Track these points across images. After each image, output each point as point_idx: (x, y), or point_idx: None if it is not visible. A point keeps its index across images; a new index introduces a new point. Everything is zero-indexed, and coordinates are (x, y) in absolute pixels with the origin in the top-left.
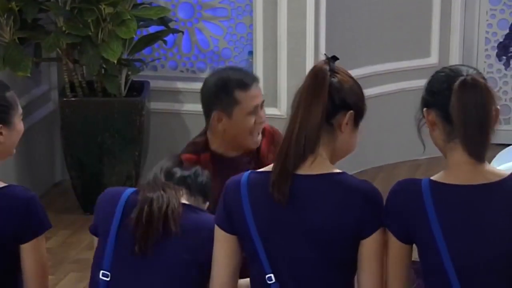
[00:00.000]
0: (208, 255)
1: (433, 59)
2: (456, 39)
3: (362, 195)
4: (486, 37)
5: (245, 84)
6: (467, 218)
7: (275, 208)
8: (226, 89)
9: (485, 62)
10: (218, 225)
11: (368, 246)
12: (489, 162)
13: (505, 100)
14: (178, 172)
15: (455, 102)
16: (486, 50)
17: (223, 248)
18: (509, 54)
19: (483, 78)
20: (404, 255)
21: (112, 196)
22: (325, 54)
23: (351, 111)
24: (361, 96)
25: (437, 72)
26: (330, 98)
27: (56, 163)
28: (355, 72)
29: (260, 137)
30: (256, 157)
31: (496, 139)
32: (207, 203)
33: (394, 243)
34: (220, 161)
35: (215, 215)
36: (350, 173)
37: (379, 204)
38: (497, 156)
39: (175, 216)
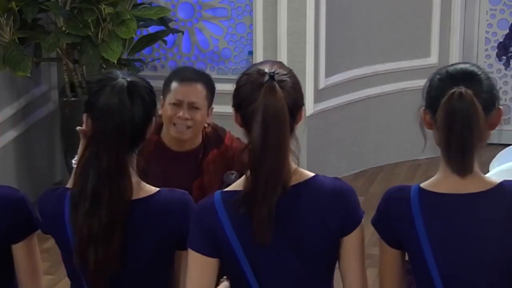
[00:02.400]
0: (181, 223)
1: (433, 59)
2: (456, 39)
3: (341, 194)
4: (486, 37)
5: (182, 78)
6: (454, 227)
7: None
8: (169, 78)
9: (485, 62)
10: (196, 250)
11: (352, 243)
12: (489, 162)
13: (505, 100)
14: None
15: (440, 119)
16: (486, 50)
17: (204, 273)
18: (509, 54)
19: (481, 78)
20: (397, 261)
21: (54, 204)
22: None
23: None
24: None
25: (436, 73)
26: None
27: (56, 163)
28: (355, 72)
29: (188, 134)
30: (199, 160)
31: (496, 139)
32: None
33: (386, 249)
34: (161, 146)
35: (189, 241)
36: (349, 173)
37: (356, 199)
38: (497, 156)
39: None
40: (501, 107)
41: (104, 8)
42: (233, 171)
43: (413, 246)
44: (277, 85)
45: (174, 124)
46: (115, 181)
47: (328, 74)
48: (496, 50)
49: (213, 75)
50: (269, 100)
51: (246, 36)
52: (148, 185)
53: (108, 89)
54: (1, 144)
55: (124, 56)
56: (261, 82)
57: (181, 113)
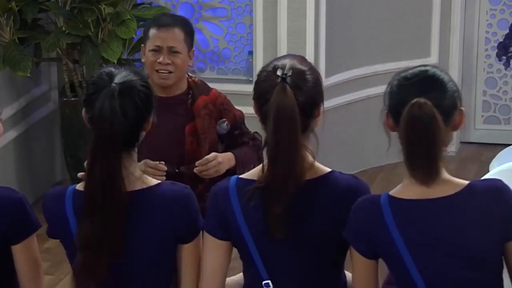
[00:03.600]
0: (182, 224)
1: (433, 59)
2: (456, 39)
3: (355, 192)
4: (486, 37)
5: (159, 24)
6: (428, 232)
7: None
8: (148, 25)
9: (485, 62)
10: (210, 233)
11: None
12: (489, 162)
13: (505, 100)
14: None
15: (401, 131)
16: (486, 50)
17: (216, 255)
18: (509, 54)
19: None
20: (371, 271)
21: (56, 199)
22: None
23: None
24: None
25: (395, 78)
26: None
27: (56, 163)
28: (355, 72)
29: (171, 79)
30: (188, 105)
31: (496, 139)
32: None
33: (360, 260)
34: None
35: (204, 223)
36: (349, 173)
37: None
38: (497, 156)
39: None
40: (463, 108)
41: (104, 8)
42: (224, 119)
43: (391, 254)
44: (287, 86)
45: (157, 71)
46: (108, 189)
47: (328, 74)
48: (496, 50)
49: (213, 75)
50: (280, 102)
51: (246, 36)
52: (149, 178)
53: (101, 97)
54: (1, 144)
55: (124, 56)
56: (275, 82)
57: (161, 59)
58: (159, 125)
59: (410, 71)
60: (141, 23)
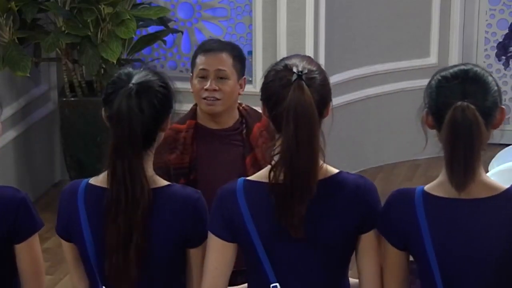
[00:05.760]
0: (194, 226)
1: (432, 59)
2: (456, 39)
3: (363, 193)
4: (485, 37)
5: (205, 49)
6: (458, 232)
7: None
8: (195, 53)
9: (484, 62)
10: (215, 234)
11: (369, 240)
12: (489, 162)
13: (505, 100)
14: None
15: (444, 135)
16: (486, 50)
17: (221, 257)
18: (509, 54)
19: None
20: (401, 262)
21: (69, 194)
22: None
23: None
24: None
25: (438, 76)
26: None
27: (56, 163)
28: (354, 72)
29: (218, 106)
30: (243, 136)
31: (496, 139)
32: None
33: (391, 251)
34: (202, 130)
35: (209, 224)
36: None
37: (378, 198)
38: (497, 156)
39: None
40: (503, 106)
41: (103, 8)
42: None
43: (417, 249)
44: (305, 84)
45: (204, 99)
46: (131, 189)
47: (327, 74)
48: (496, 50)
49: None
50: (299, 100)
51: (246, 36)
52: (160, 179)
53: (119, 96)
54: (0, 144)
55: (124, 56)
56: (289, 80)
57: (208, 85)
58: (217, 158)
59: (451, 71)
60: (141, 23)
